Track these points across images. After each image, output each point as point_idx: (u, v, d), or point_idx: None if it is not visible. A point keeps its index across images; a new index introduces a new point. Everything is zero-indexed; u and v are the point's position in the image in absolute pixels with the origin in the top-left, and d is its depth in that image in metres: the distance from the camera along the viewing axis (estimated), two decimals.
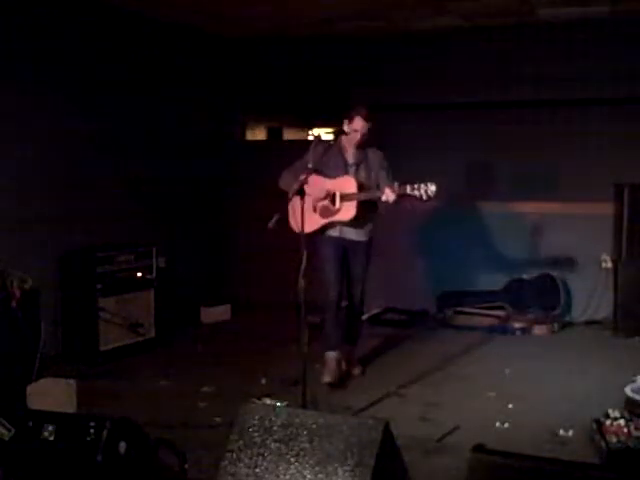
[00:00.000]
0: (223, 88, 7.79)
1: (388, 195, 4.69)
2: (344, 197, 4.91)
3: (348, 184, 4.94)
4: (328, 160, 4.94)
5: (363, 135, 4.98)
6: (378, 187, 4.92)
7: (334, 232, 5.04)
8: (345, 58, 7.32)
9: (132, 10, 6.25)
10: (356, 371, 5.36)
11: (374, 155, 5.10)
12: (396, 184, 4.74)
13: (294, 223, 4.88)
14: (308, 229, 4.63)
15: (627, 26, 6.38)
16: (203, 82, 7.51)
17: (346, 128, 5.01)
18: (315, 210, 5.02)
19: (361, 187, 4.92)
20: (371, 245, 5.17)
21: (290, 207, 4.75)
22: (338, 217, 4.96)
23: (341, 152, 5.06)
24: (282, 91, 7.76)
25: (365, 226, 5.06)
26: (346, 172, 5.02)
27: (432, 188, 4.59)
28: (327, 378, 4.99)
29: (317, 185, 4.94)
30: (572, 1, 5.88)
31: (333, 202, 4.97)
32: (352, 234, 5.03)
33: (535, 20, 6.48)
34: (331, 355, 5.11)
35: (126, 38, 6.42)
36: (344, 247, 5.08)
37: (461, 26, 6.72)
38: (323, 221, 5.02)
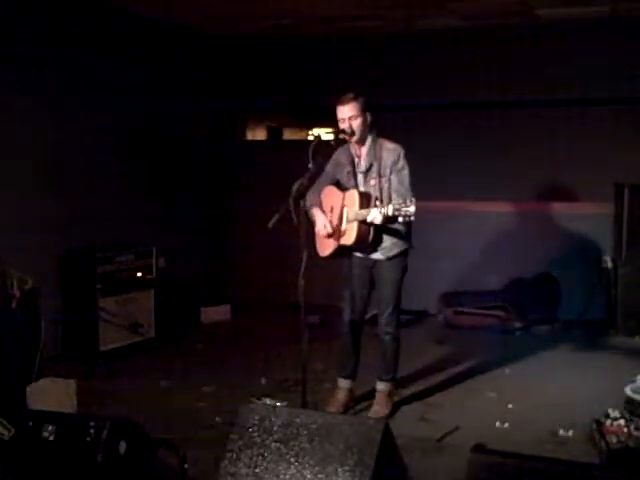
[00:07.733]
0: (223, 88, 7.79)
1: (375, 218, 3.97)
2: (350, 216, 4.21)
3: (351, 200, 4.19)
4: (340, 167, 4.35)
5: (350, 119, 4.15)
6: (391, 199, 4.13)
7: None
8: (345, 58, 7.31)
9: (132, 10, 6.25)
10: (371, 414, 4.41)
11: (388, 154, 4.21)
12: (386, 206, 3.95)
13: (318, 246, 4.43)
14: (323, 253, 4.38)
15: (627, 26, 6.38)
16: (203, 82, 7.51)
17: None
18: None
19: (366, 202, 4.12)
20: (398, 265, 4.33)
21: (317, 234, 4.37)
22: (342, 241, 4.26)
23: (351, 156, 4.32)
24: (282, 91, 7.76)
25: (383, 244, 4.26)
26: (356, 182, 4.30)
27: (411, 210, 3.81)
28: (330, 409, 4.42)
29: (329, 200, 4.37)
30: (572, 1, 5.88)
31: (341, 222, 4.27)
32: (368, 253, 4.34)
33: (535, 20, 6.48)
34: (340, 384, 4.57)
35: (126, 38, 6.41)
36: (367, 266, 4.38)
37: (461, 26, 6.72)
38: (335, 244, 4.31)
